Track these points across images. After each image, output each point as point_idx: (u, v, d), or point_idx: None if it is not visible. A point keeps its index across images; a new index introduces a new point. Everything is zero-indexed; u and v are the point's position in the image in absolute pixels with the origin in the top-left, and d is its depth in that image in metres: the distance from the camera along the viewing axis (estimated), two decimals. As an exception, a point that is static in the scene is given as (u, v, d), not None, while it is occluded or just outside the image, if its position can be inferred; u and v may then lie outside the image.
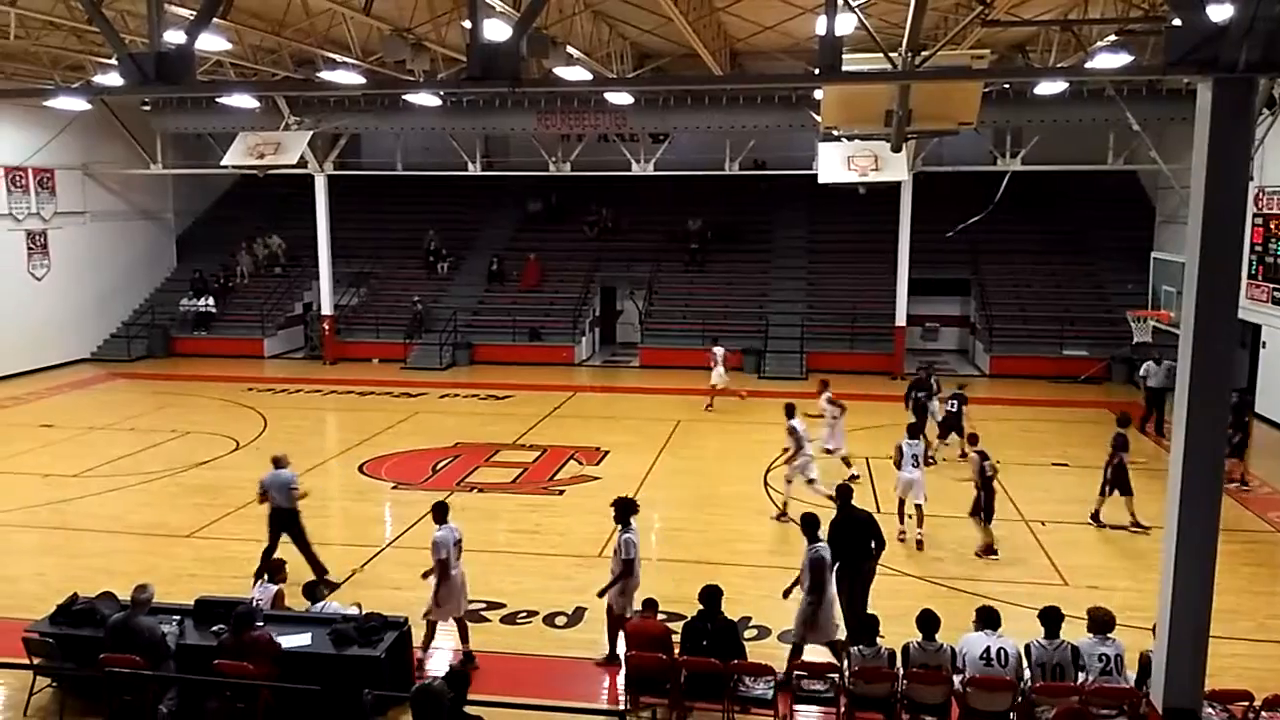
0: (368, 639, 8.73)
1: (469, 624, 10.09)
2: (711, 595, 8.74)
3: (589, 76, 18.26)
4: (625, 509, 9.91)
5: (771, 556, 12.83)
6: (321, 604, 9.57)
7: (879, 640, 8.34)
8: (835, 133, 20.21)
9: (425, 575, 9.77)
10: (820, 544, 9.37)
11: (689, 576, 10.99)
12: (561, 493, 15.99)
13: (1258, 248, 20.37)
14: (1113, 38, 15.87)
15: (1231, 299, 7.52)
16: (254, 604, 8.96)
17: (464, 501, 15.52)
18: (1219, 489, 7.55)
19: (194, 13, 10.38)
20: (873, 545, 10.05)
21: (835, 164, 23.03)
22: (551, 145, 28.35)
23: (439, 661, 9.86)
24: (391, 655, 8.72)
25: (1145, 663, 8.18)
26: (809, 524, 9.52)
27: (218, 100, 26.34)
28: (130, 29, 16.48)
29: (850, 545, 9.98)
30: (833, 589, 9.44)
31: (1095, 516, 14.15)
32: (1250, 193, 18.78)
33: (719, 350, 22.30)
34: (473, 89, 19.38)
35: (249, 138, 25.82)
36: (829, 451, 16.32)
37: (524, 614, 11.09)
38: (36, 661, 8.94)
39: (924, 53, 13.03)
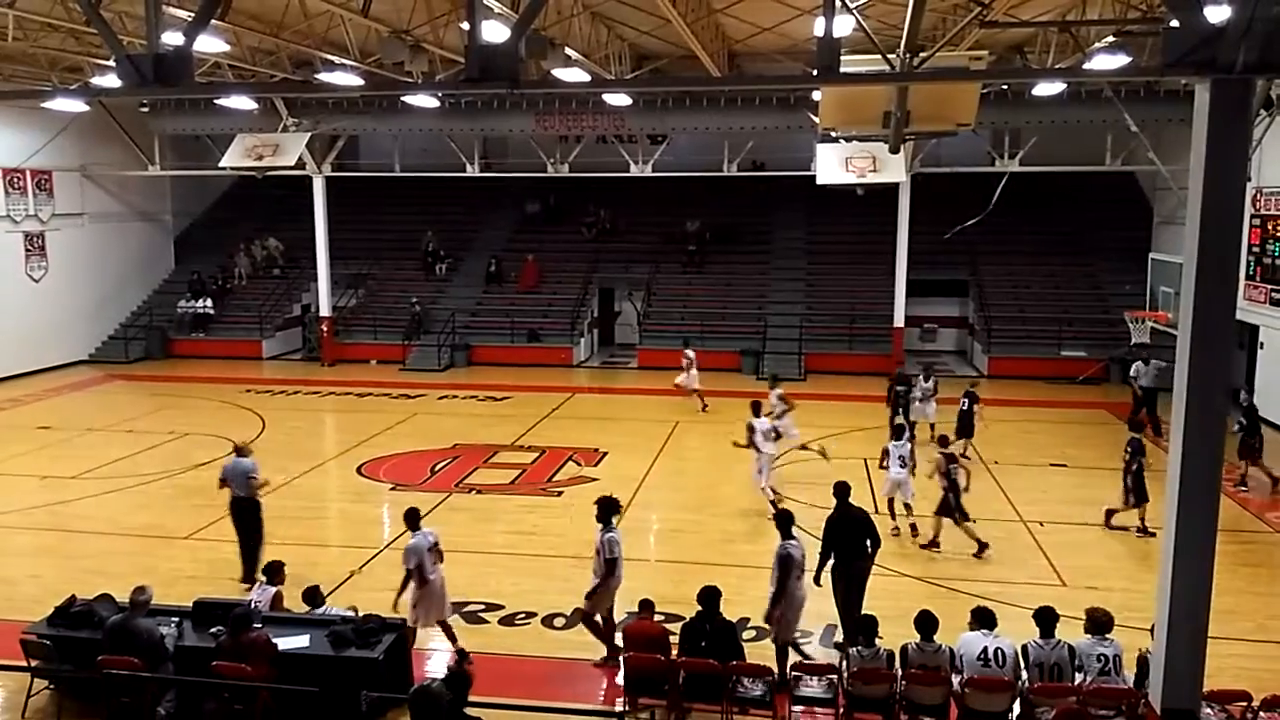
0: (365, 641, 8.72)
1: (454, 625, 10.08)
2: (710, 596, 8.73)
3: (587, 78, 18.27)
4: (608, 508, 9.89)
5: (770, 558, 12.75)
6: (323, 609, 9.56)
7: (877, 641, 8.34)
8: (833, 134, 20.24)
9: (398, 597, 9.66)
10: (790, 541, 9.40)
11: (687, 577, 10.99)
12: (560, 494, 15.99)
13: (1255, 249, 20.40)
14: (1111, 39, 15.89)
15: (1229, 300, 7.52)
16: (252, 606, 8.96)
17: (462, 503, 15.53)
18: (1217, 489, 7.55)
19: (192, 14, 10.38)
20: (868, 544, 10.05)
21: (833, 165, 23.07)
22: (550, 146, 28.35)
23: (435, 664, 9.86)
24: (389, 657, 8.70)
25: (1144, 663, 8.17)
26: (782, 521, 9.58)
27: (216, 102, 26.33)
28: (128, 30, 16.47)
29: (846, 543, 10.00)
30: (802, 590, 9.42)
31: (1107, 518, 14.00)
32: (1248, 194, 18.82)
33: (690, 353, 22.41)
34: (471, 90, 19.39)
35: (247, 139, 25.85)
36: (803, 448, 16.43)
37: (522, 615, 11.08)
38: (34, 663, 8.92)
39: (922, 54, 13.08)
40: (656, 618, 9.30)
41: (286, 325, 30.87)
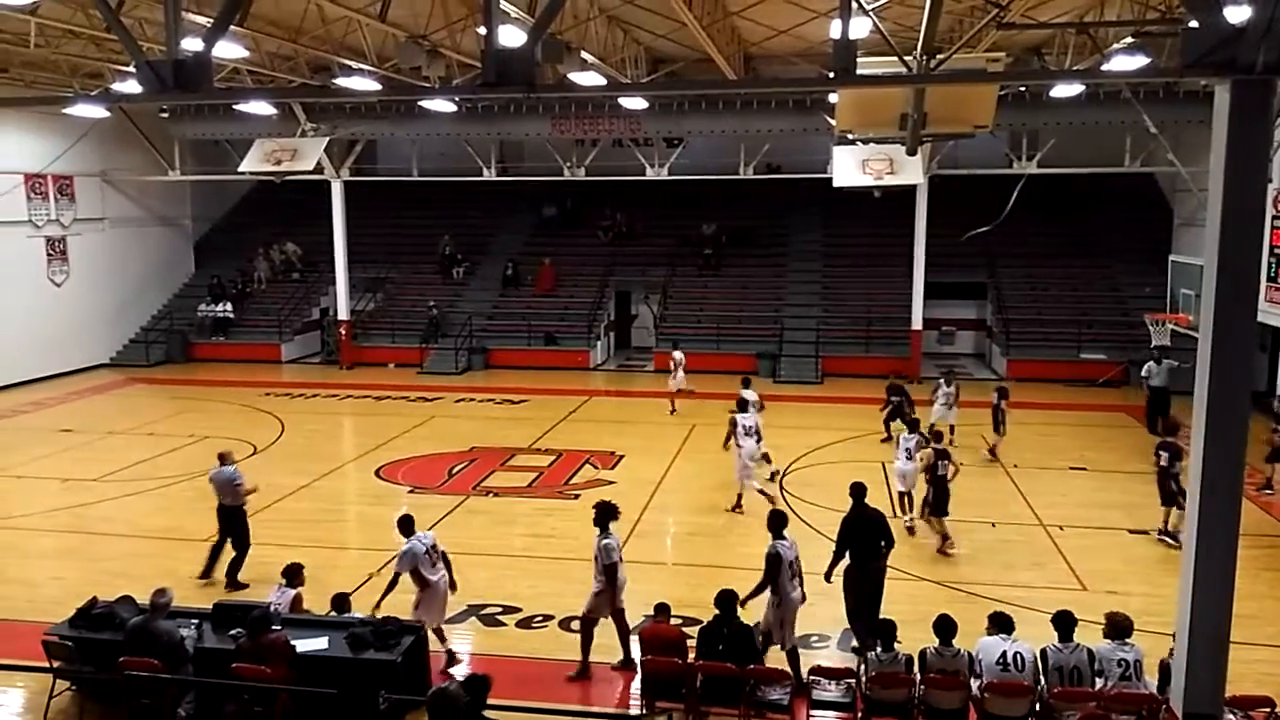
0: (384, 643, 8.75)
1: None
2: (727, 600, 8.73)
3: (603, 82, 18.29)
4: (605, 514, 9.79)
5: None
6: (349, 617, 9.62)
7: (896, 645, 8.31)
8: (850, 136, 20.16)
9: (381, 599, 9.65)
10: (781, 541, 9.38)
11: (704, 581, 10.98)
12: (577, 497, 15.99)
13: (1277, 250, 20.18)
14: (1129, 40, 15.80)
15: (1251, 302, 7.46)
16: (271, 608, 9.01)
17: (480, 505, 15.57)
18: (1239, 492, 7.50)
19: (211, 20, 10.45)
20: (882, 545, 10.06)
21: (850, 167, 22.99)
22: (566, 150, 28.42)
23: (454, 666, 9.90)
24: (408, 659, 8.74)
25: (1165, 669, 8.11)
26: (773, 521, 9.56)
27: (235, 107, 26.48)
28: (148, 37, 16.61)
29: (861, 543, 10.00)
30: (796, 592, 9.39)
31: (1166, 531, 13.62)
32: (1269, 195, 18.63)
33: (679, 355, 22.43)
34: (488, 95, 19.37)
35: (266, 144, 26.00)
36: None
37: (539, 618, 11.09)
38: (56, 665, 8.99)
39: (939, 56, 13.01)
40: (673, 621, 9.30)
41: (305, 329, 31.03)
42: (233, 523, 12.19)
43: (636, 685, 9.16)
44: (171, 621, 8.77)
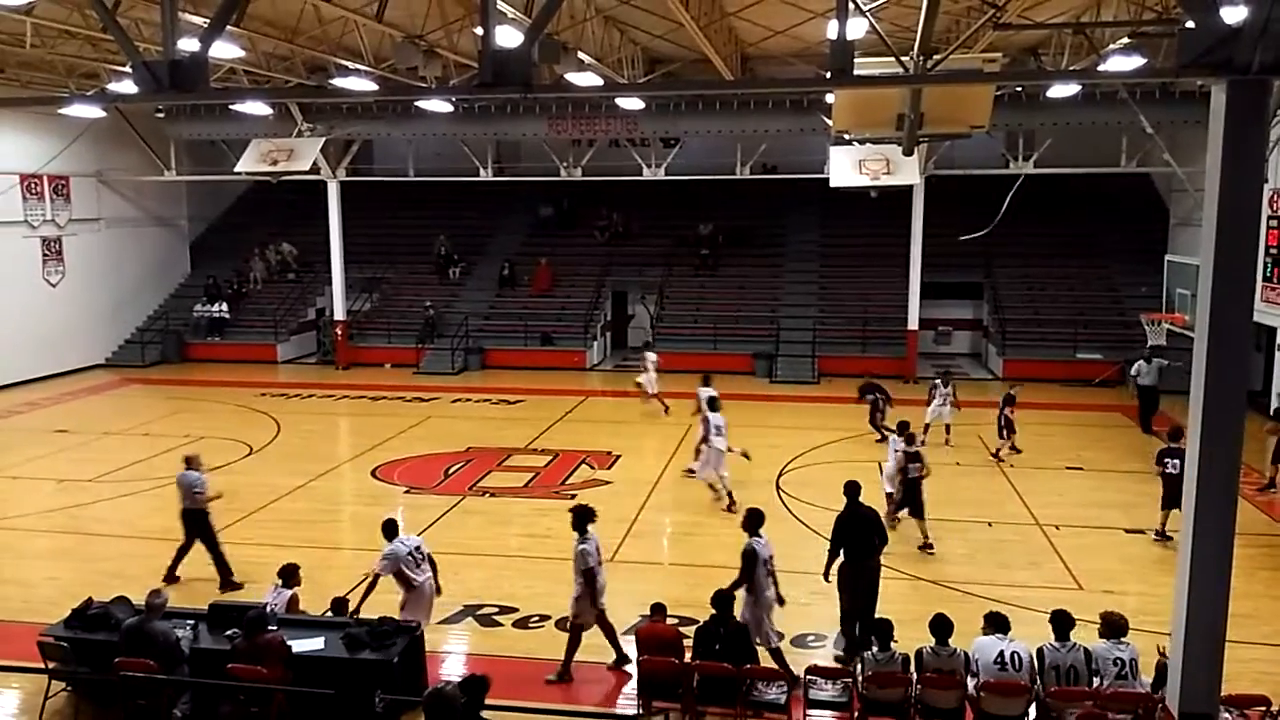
0: (380, 643, 8.73)
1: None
2: (724, 599, 8.72)
3: (600, 82, 18.30)
4: (582, 517, 9.68)
5: (784, 561, 12.74)
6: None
7: (892, 645, 8.31)
8: (846, 136, 20.16)
9: (361, 600, 9.65)
10: (756, 539, 9.40)
11: (700, 580, 10.96)
12: (573, 497, 15.95)
13: (1273, 250, 20.21)
14: (1125, 40, 15.80)
15: (1246, 302, 7.47)
16: (267, 608, 8.99)
17: (476, 506, 15.56)
18: (1235, 492, 7.50)
19: (208, 20, 10.44)
20: (875, 541, 10.10)
21: (846, 168, 23.00)
22: (563, 150, 28.41)
23: (451, 667, 9.88)
24: (404, 660, 8.72)
25: (1161, 668, 8.12)
26: (750, 519, 9.58)
27: (231, 107, 26.44)
28: (144, 37, 16.56)
29: (855, 541, 10.04)
30: (770, 592, 9.39)
31: (1162, 533, 13.52)
32: (1265, 195, 18.68)
33: (651, 355, 22.41)
34: (484, 95, 19.43)
35: (262, 144, 25.96)
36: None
37: (536, 618, 11.09)
38: (51, 666, 8.97)
39: (936, 56, 13.02)
40: (670, 621, 9.30)
41: (301, 329, 30.98)
42: (195, 526, 12.14)
43: (632, 685, 9.15)
44: (167, 622, 8.75)
